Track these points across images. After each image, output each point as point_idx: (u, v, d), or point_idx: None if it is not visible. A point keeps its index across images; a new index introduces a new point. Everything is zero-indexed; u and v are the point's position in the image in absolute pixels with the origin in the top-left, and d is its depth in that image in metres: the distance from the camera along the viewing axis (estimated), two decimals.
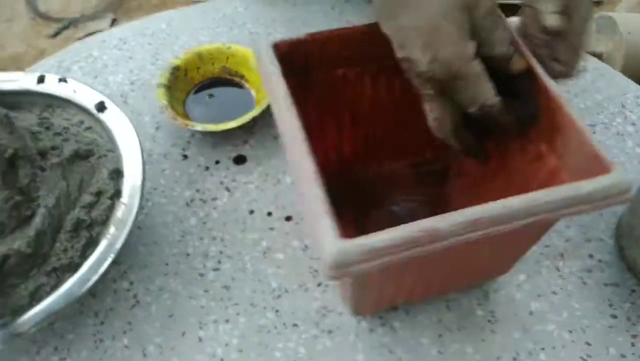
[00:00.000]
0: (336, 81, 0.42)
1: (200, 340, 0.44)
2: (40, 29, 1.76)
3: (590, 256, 0.48)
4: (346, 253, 0.27)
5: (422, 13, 0.34)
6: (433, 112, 0.37)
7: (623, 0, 1.51)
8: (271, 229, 0.50)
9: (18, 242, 0.39)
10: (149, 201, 0.51)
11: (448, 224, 0.28)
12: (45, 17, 1.79)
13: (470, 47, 0.34)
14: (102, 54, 0.63)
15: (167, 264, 0.47)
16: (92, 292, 0.45)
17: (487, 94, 0.35)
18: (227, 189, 0.52)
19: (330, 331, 0.44)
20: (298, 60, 0.39)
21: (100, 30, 1.70)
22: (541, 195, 0.29)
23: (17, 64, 1.65)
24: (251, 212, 0.51)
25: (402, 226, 0.28)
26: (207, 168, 0.54)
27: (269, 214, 0.51)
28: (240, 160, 0.54)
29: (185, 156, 0.55)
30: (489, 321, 0.45)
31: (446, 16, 0.34)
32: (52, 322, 0.44)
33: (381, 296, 0.41)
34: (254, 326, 0.44)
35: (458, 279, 0.44)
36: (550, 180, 0.37)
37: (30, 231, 0.39)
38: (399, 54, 0.36)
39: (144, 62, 0.62)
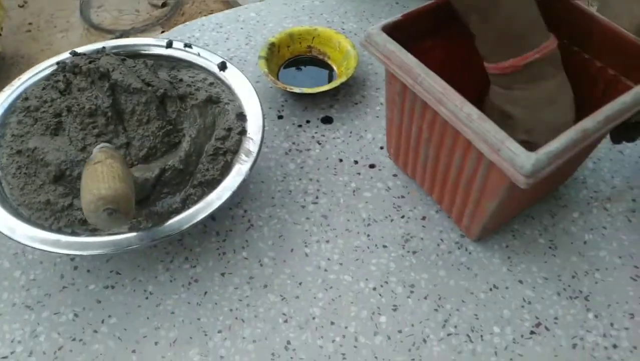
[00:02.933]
0: (421, 51, 0.50)
1: (306, 255, 0.52)
2: (94, 39, 1.89)
3: (634, 200, 0.56)
4: (539, 161, 0.36)
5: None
6: None
7: None
8: (358, 174, 0.58)
9: (172, 160, 0.48)
10: None
11: (593, 123, 0.38)
12: (99, 29, 1.92)
13: None
14: (203, 35, 0.73)
15: (273, 198, 0.56)
16: (213, 216, 0.54)
17: None
18: (319, 143, 0.61)
19: (414, 252, 0.52)
20: (398, 37, 0.46)
21: None
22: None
23: None
24: (340, 160, 0.60)
25: (564, 133, 0.38)
26: (300, 126, 0.63)
27: (355, 162, 0.59)
28: (327, 120, 0.64)
29: (280, 117, 0.64)
30: (550, 247, 0.53)
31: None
32: (180, 238, 0.53)
33: (510, 211, 0.50)
34: (350, 246, 0.53)
35: (550, 185, 0.54)
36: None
37: (181, 153, 0.48)
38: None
39: (239, 43, 0.72)
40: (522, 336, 0.47)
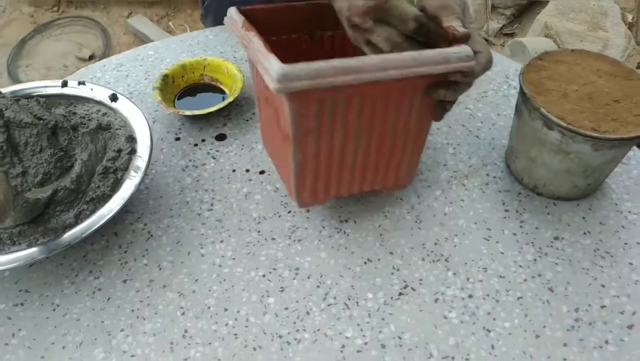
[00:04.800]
0: (284, 43, 0.58)
1: (202, 255, 0.58)
2: None
3: (487, 175, 0.65)
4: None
5: None
6: (380, 36, 0.48)
7: (530, 29, 1.78)
8: (250, 180, 0.65)
9: (64, 182, 0.53)
10: (153, 169, 0.66)
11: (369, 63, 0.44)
12: None
13: None
14: (104, 74, 0.79)
15: (171, 209, 0.62)
16: (115, 232, 0.59)
17: (413, 9, 0.47)
18: (213, 157, 0.68)
19: (300, 240, 0.59)
20: (257, 26, 0.51)
21: None
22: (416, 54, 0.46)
23: None
24: (233, 170, 0.66)
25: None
26: (195, 145, 0.69)
27: (247, 170, 0.66)
28: (221, 137, 0.70)
29: (177, 138, 0.70)
30: (416, 222, 0.60)
31: None
32: (85, 254, 0.57)
33: (317, 181, 0.54)
34: (242, 242, 0.59)
35: (376, 171, 0.57)
36: None
37: (73, 175, 0.54)
38: (344, 4, 0.48)
39: (138, 78, 0.79)
40: (391, 298, 0.54)
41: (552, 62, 0.60)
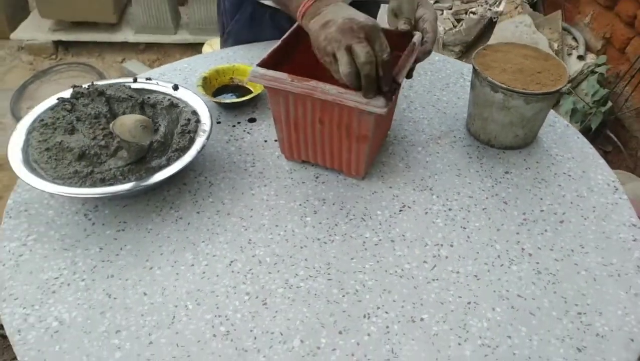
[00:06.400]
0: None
1: (253, 194, 0.77)
2: None
3: (454, 136, 0.89)
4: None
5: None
6: (365, 48, 0.68)
7: None
8: (279, 147, 0.86)
9: (156, 137, 0.73)
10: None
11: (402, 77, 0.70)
12: None
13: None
14: None
15: (223, 167, 0.82)
16: (184, 182, 0.79)
17: (386, 43, 0.72)
18: (248, 133, 0.89)
19: (323, 182, 0.80)
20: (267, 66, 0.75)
21: None
22: None
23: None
24: (265, 141, 0.87)
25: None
26: (233, 126, 0.90)
27: (275, 141, 0.87)
28: (252, 120, 0.92)
29: (219, 122, 0.91)
30: (406, 167, 0.82)
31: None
32: (164, 198, 0.76)
33: (373, 157, 0.78)
34: (281, 185, 0.79)
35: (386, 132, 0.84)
36: None
37: (160, 133, 0.74)
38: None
39: (179, 83, 1.00)
40: (394, 213, 0.75)
41: (492, 51, 0.85)
